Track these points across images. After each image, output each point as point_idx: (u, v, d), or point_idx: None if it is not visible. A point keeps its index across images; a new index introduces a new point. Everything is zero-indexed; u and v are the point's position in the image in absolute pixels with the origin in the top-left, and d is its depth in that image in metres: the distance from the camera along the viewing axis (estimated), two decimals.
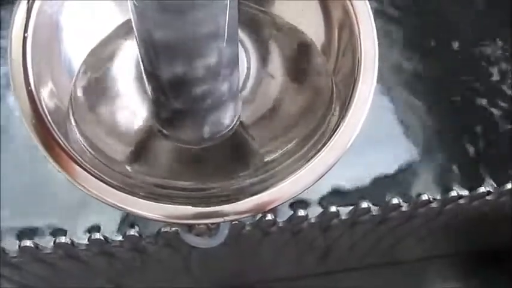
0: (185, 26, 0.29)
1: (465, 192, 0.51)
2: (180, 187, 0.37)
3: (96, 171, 0.34)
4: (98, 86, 0.40)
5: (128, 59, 0.40)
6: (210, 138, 0.38)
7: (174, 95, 0.34)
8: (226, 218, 0.34)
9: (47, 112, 0.35)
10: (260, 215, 0.48)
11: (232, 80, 0.35)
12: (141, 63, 0.34)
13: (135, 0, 0.28)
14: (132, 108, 0.40)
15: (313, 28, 0.41)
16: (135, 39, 0.32)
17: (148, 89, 0.36)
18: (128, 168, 0.38)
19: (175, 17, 0.28)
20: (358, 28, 0.37)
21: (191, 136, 0.38)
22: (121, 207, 0.34)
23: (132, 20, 0.31)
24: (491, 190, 0.51)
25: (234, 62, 0.34)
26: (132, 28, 0.31)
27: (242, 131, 0.40)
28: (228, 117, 0.38)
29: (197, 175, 0.39)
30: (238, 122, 0.39)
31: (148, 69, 0.34)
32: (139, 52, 0.33)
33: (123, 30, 0.40)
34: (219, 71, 0.33)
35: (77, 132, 0.37)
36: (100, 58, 0.40)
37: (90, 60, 0.39)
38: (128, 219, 0.48)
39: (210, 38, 0.30)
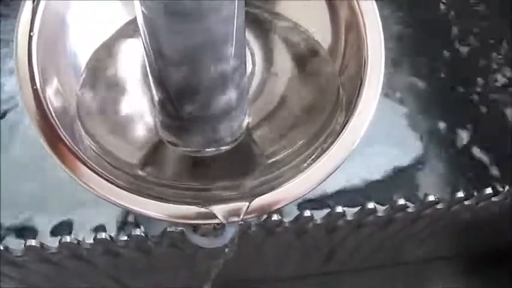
0: (194, 32, 0.29)
1: (472, 193, 0.51)
2: (187, 188, 0.37)
3: (100, 170, 0.34)
4: (103, 85, 0.40)
5: (133, 58, 0.40)
6: (218, 147, 0.38)
7: (182, 104, 0.34)
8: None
9: (52, 110, 0.35)
10: (266, 215, 0.48)
11: (241, 87, 0.35)
12: (149, 74, 0.34)
13: (144, 8, 0.28)
14: (138, 109, 0.40)
15: (319, 28, 0.41)
16: (140, 40, 0.32)
17: (155, 99, 0.36)
18: (134, 168, 0.38)
19: (185, 23, 0.28)
20: (365, 29, 0.37)
21: (199, 145, 0.38)
22: (125, 206, 0.33)
23: (141, 31, 0.30)
24: (497, 191, 0.51)
25: (242, 69, 0.34)
26: (137, 27, 0.31)
27: (247, 132, 0.39)
28: (236, 125, 0.38)
29: (203, 177, 0.39)
30: (245, 131, 0.39)
31: (157, 80, 0.34)
32: (148, 62, 0.33)
33: (128, 30, 0.40)
34: (227, 78, 0.33)
35: (83, 131, 0.37)
36: (105, 57, 0.40)
37: (95, 60, 0.39)
38: (134, 219, 0.47)
39: (219, 43, 0.30)
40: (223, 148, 0.38)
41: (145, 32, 0.30)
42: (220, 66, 0.32)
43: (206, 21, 0.28)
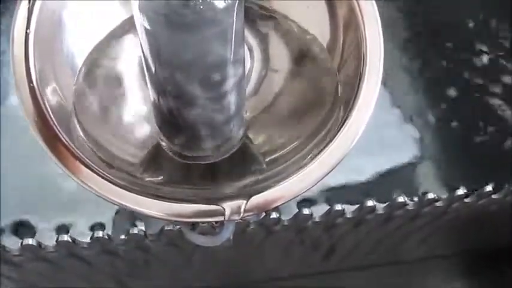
0: (194, 42, 0.29)
1: (471, 191, 0.51)
2: (185, 187, 0.37)
3: (98, 169, 0.34)
4: (101, 84, 0.40)
5: (131, 57, 0.40)
6: (216, 155, 0.38)
7: (181, 111, 0.34)
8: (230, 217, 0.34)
9: (49, 108, 0.35)
10: (265, 213, 0.48)
11: (241, 92, 0.35)
12: (148, 83, 0.34)
13: (145, 20, 0.28)
14: (137, 107, 0.40)
15: (318, 26, 0.40)
16: (138, 38, 0.32)
17: (154, 105, 0.36)
18: (132, 166, 0.38)
19: (185, 34, 0.28)
20: (364, 27, 0.37)
21: (199, 152, 0.38)
22: (123, 205, 0.33)
23: (140, 38, 0.30)
24: (497, 189, 0.51)
25: (242, 73, 0.34)
26: (135, 25, 0.31)
27: (246, 130, 0.39)
28: (236, 130, 0.38)
29: (202, 176, 0.38)
30: (244, 137, 0.39)
31: (156, 88, 0.34)
32: (147, 72, 0.33)
33: (126, 28, 0.40)
34: (226, 84, 0.32)
35: (80, 130, 0.37)
36: (103, 56, 0.40)
37: (93, 58, 0.39)
38: (132, 218, 0.47)
39: (219, 51, 0.30)
40: (224, 153, 0.38)
41: (145, 41, 0.30)
42: (220, 72, 0.31)
43: (206, 32, 0.28)
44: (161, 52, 0.30)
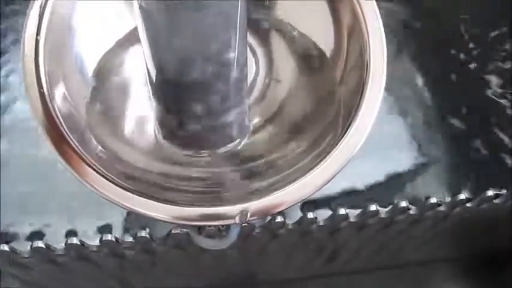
0: (196, 27, 0.29)
1: (473, 196, 0.51)
2: (193, 191, 0.37)
3: (107, 173, 0.34)
4: (112, 92, 0.40)
5: (141, 64, 0.40)
6: (217, 160, 0.39)
7: (181, 113, 0.34)
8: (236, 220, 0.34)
9: (59, 114, 0.35)
10: (270, 217, 0.48)
11: (243, 98, 0.35)
12: (147, 81, 0.34)
13: (144, 3, 0.28)
14: (145, 114, 0.40)
15: (322, 34, 0.41)
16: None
17: (155, 108, 0.36)
18: (141, 171, 0.38)
19: (186, 17, 0.28)
20: (368, 35, 0.37)
21: (199, 154, 0.39)
22: (130, 208, 0.34)
23: (139, 27, 0.30)
24: (499, 193, 0.51)
25: (244, 77, 0.34)
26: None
27: (249, 137, 0.40)
28: (236, 137, 0.38)
29: (207, 181, 0.39)
30: (246, 143, 0.40)
31: (156, 86, 0.34)
32: (147, 65, 0.33)
33: (136, 35, 0.40)
34: (228, 86, 0.33)
35: (90, 135, 0.37)
36: (113, 63, 0.40)
37: (103, 66, 0.40)
38: (139, 221, 0.48)
39: (220, 46, 0.30)
40: (225, 158, 0.39)
41: (142, 24, 0.30)
42: (222, 62, 0.32)
43: (207, 12, 0.28)
44: (159, 35, 0.30)
